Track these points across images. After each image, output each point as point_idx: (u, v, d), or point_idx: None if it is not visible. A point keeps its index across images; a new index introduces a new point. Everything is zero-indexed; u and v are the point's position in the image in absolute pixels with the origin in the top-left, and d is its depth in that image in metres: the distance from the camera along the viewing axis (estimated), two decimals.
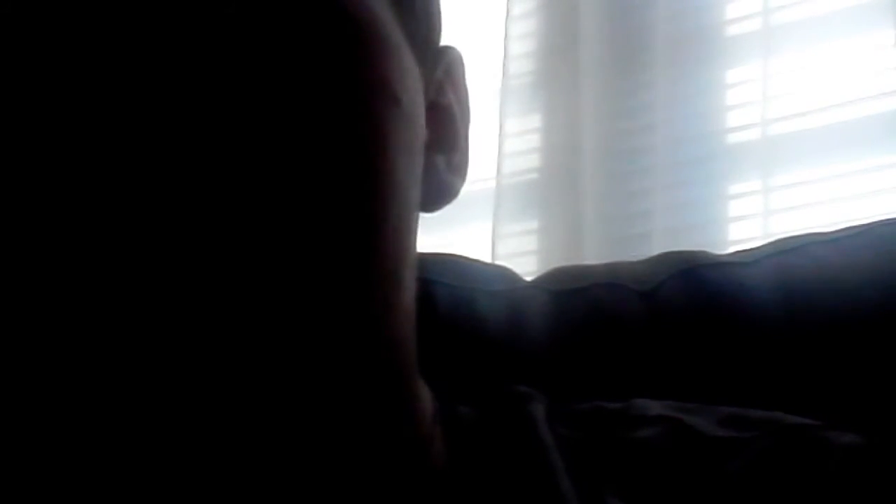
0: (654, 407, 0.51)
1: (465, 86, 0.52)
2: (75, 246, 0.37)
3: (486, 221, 1.41)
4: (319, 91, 0.39)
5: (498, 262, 1.10)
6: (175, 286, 0.37)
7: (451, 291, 0.65)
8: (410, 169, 0.44)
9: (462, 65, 0.52)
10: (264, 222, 0.38)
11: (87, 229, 0.37)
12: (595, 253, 1.29)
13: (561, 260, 1.26)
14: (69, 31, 0.37)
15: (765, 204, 1.25)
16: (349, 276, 0.40)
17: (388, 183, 0.41)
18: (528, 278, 0.71)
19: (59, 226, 0.37)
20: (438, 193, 0.49)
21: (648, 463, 0.47)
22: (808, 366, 0.60)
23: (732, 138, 1.29)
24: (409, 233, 0.44)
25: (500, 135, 1.42)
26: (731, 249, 0.74)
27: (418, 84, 0.45)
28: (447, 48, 0.51)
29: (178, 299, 0.37)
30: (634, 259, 0.71)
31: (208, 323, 0.37)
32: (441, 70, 0.50)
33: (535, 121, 1.44)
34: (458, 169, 0.50)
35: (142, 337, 0.37)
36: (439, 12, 0.50)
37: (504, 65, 1.45)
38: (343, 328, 0.40)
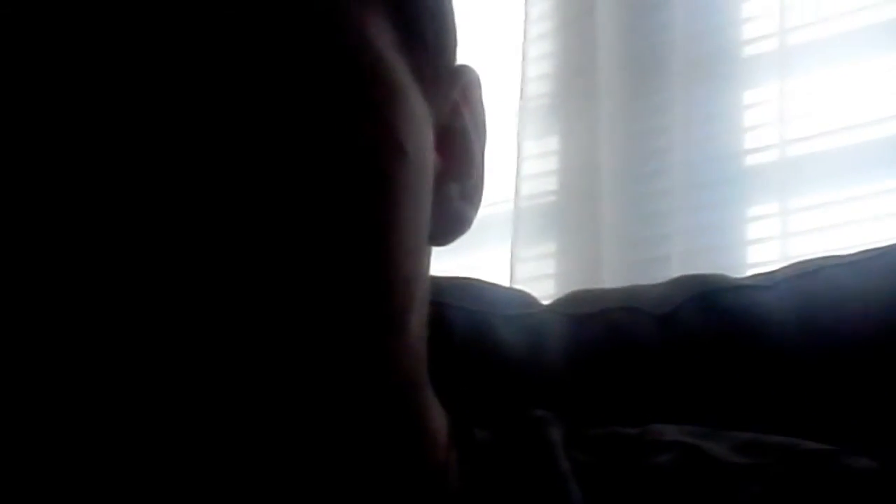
0: (671, 432, 0.50)
1: (481, 105, 0.51)
2: (77, 247, 0.37)
3: (505, 245, 1.41)
4: (325, 143, 0.39)
5: (516, 286, 1.10)
6: (172, 293, 0.37)
7: (468, 315, 0.65)
8: (417, 214, 0.44)
9: (479, 84, 0.51)
10: (266, 279, 0.38)
11: (88, 230, 0.37)
12: (613, 276, 1.29)
13: (579, 283, 1.26)
14: (69, 32, 0.37)
15: (783, 226, 1.24)
16: (355, 322, 0.40)
17: (394, 233, 0.41)
18: (546, 302, 0.71)
19: (60, 227, 0.37)
20: (450, 224, 0.49)
21: (664, 489, 0.47)
22: (827, 390, 0.59)
23: (750, 160, 1.29)
24: (417, 276, 0.44)
25: (517, 157, 1.42)
26: (750, 272, 0.74)
27: (425, 126, 0.45)
28: (463, 67, 0.50)
29: (175, 306, 0.37)
30: (652, 282, 0.71)
31: (205, 329, 0.37)
32: (457, 92, 0.49)
33: (553, 143, 1.43)
34: (472, 197, 0.50)
35: (143, 339, 0.37)
36: (454, 30, 0.49)
37: (521, 87, 1.45)
38: (347, 370, 0.40)
